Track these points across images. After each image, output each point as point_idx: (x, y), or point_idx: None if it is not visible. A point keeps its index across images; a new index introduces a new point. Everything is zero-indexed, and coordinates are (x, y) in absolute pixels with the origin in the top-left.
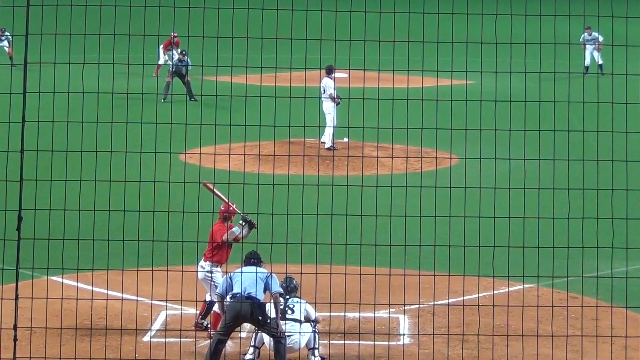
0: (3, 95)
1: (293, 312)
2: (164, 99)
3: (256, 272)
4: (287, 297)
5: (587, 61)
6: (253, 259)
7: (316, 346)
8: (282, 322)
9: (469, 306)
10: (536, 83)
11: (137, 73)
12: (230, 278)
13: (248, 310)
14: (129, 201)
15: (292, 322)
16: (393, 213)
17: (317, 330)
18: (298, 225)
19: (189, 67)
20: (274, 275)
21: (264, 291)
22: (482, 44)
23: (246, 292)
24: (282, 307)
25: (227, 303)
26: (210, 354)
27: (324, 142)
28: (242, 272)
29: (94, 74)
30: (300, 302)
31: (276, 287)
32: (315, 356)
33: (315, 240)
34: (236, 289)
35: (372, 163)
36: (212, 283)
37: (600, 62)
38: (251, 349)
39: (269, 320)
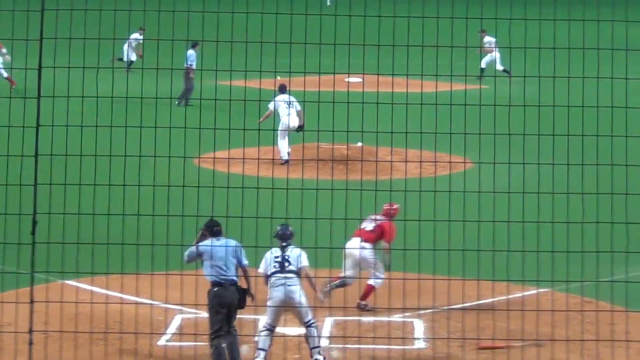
0: (17, 100)
1: (290, 263)
2: (178, 104)
3: (226, 247)
4: (284, 244)
5: (483, 64)
6: (215, 227)
7: (318, 345)
8: (281, 275)
9: (483, 310)
10: (550, 87)
11: (152, 77)
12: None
13: (235, 296)
14: (143, 205)
15: (292, 276)
16: (407, 217)
17: (316, 326)
18: (312, 230)
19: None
20: (241, 246)
21: (235, 266)
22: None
23: (228, 277)
24: (279, 259)
25: (215, 290)
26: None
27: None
28: (212, 249)
29: (107, 78)
30: (299, 250)
31: (245, 259)
32: (319, 354)
33: (329, 244)
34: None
35: (386, 168)
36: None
37: (501, 67)
38: (261, 353)
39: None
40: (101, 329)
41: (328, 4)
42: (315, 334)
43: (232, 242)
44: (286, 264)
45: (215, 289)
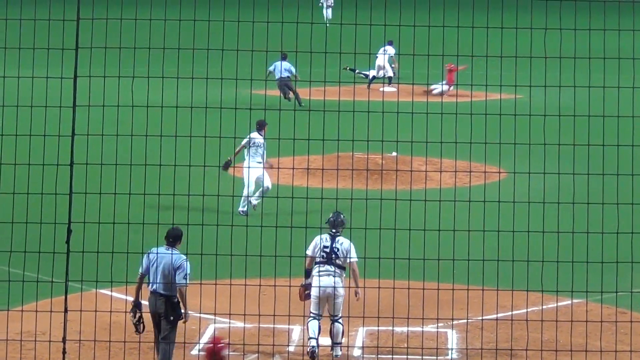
0: (53, 108)
1: (337, 255)
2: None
3: (171, 259)
4: (334, 231)
5: (375, 73)
6: (171, 238)
7: (340, 341)
8: (326, 267)
9: (517, 321)
10: (585, 97)
11: (186, 86)
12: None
13: (161, 307)
14: (177, 214)
15: (336, 270)
16: (441, 227)
17: (342, 323)
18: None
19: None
20: (186, 262)
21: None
22: (531, 58)
23: (158, 289)
24: (328, 249)
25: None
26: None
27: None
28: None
29: (143, 87)
30: (349, 243)
31: (184, 278)
32: (340, 350)
33: (364, 254)
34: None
35: (421, 177)
36: None
37: (391, 74)
38: (312, 340)
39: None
40: (135, 339)
41: (327, 25)
42: (341, 330)
43: (182, 258)
44: (333, 256)
45: (149, 296)
